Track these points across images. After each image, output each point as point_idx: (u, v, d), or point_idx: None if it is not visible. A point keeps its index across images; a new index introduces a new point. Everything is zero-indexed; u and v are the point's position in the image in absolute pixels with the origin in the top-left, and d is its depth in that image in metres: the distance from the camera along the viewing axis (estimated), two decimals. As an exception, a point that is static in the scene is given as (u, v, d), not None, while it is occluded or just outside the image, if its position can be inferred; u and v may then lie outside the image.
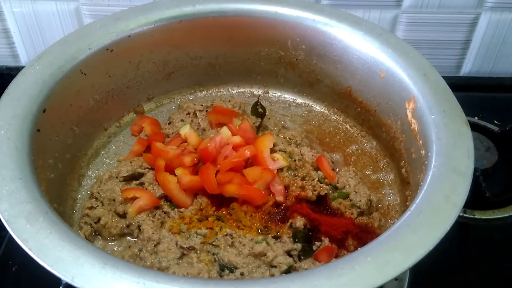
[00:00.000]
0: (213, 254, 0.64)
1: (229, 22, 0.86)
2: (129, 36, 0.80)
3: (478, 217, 0.85)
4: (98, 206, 0.70)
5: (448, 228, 0.52)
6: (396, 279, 0.77)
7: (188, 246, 0.63)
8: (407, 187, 0.73)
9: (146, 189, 0.71)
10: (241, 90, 0.94)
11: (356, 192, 0.71)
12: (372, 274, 0.48)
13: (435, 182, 0.57)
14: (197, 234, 0.66)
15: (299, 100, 0.93)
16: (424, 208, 0.54)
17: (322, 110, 0.91)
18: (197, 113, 0.84)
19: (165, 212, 0.69)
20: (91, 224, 0.69)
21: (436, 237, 0.51)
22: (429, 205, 0.55)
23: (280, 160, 0.74)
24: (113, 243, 0.69)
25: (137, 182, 0.73)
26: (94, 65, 0.77)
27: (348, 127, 0.88)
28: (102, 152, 0.82)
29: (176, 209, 0.70)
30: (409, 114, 0.71)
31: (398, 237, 0.52)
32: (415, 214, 0.54)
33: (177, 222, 0.68)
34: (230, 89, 0.94)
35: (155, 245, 0.64)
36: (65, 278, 0.48)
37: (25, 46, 1.15)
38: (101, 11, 1.10)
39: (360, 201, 0.70)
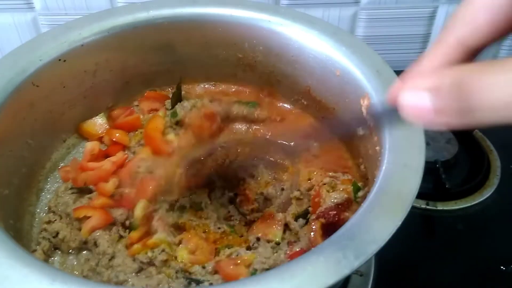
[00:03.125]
0: (174, 269, 0.63)
1: (185, 26, 0.85)
2: (82, 45, 0.79)
3: (441, 208, 0.86)
4: (56, 220, 0.69)
5: (399, 224, 0.52)
6: (361, 274, 0.78)
7: (147, 261, 0.62)
8: (366, 182, 0.74)
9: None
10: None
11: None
12: (325, 274, 0.48)
13: (387, 178, 0.58)
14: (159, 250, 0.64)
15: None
16: (376, 204, 0.55)
17: (283, 108, 0.91)
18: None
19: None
20: (49, 239, 0.68)
21: (388, 233, 0.51)
22: (381, 201, 0.55)
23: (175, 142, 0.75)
24: (72, 257, 0.68)
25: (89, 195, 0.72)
26: (47, 76, 0.75)
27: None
28: (61, 164, 0.80)
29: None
30: (364, 111, 0.71)
31: (350, 235, 0.52)
32: (367, 211, 0.54)
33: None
34: (190, 94, 0.94)
35: (109, 260, 0.63)
36: (13, 296, 0.47)
37: (-18, 60, 1.13)
38: (59, 21, 1.09)
39: None
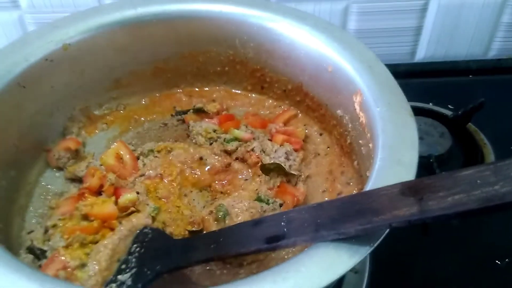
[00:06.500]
0: None
1: (173, 24, 0.84)
2: (69, 44, 0.77)
3: (435, 203, 0.85)
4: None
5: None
6: (356, 272, 0.78)
7: None
8: (360, 180, 0.73)
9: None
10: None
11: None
12: (318, 275, 0.48)
13: (381, 175, 0.57)
14: None
15: (253, 96, 0.92)
16: (369, 203, 0.54)
17: (274, 104, 0.90)
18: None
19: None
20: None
21: (381, 233, 0.51)
22: (374, 199, 0.54)
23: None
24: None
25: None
26: (34, 77, 0.74)
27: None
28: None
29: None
30: (357, 107, 0.71)
31: (344, 235, 0.51)
32: (361, 209, 0.53)
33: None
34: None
35: None
36: (2, 304, 0.46)
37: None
38: (45, 19, 1.07)
39: None
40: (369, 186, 0.56)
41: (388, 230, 0.50)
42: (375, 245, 0.50)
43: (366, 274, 0.76)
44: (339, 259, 0.49)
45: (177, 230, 0.69)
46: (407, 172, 0.56)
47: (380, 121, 0.64)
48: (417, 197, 0.46)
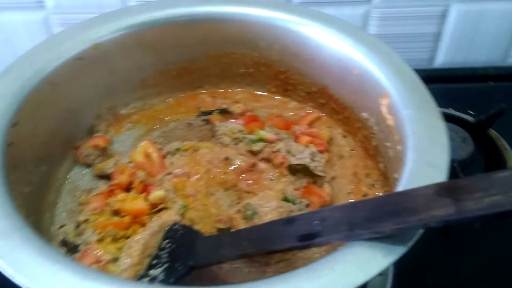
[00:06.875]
0: None
1: (201, 25, 0.85)
2: (99, 44, 0.78)
3: (457, 207, 0.86)
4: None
5: (427, 222, 0.52)
6: (380, 274, 0.78)
7: None
8: (386, 182, 0.74)
9: None
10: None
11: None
12: (353, 273, 0.48)
13: (412, 177, 0.58)
14: None
15: (276, 98, 0.93)
16: (402, 203, 0.54)
17: (298, 106, 0.91)
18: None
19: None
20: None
21: (416, 233, 0.51)
22: (407, 200, 0.55)
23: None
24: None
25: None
26: (65, 75, 0.75)
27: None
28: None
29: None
30: (384, 110, 0.71)
31: (378, 234, 0.52)
32: (393, 209, 0.54)
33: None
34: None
35: None
36: (44, 295, 0.47)
37: (-6, 59, 1.13)
38: (70, 19, 1.08)
39: None
40: (401, 187, 0.57)
41: (423, 230, 0.51)
42: (410, 245, 0.51)
43: (390, 277, 0.76)
44: (374, 258, 0.49)
45: (205, 227, 0.70)
46: (439, 174, 0.57)
47: (409, 123, 0.64)
48: (454, 198, 0.47)
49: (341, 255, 0.50)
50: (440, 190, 0.49)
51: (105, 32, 0.79)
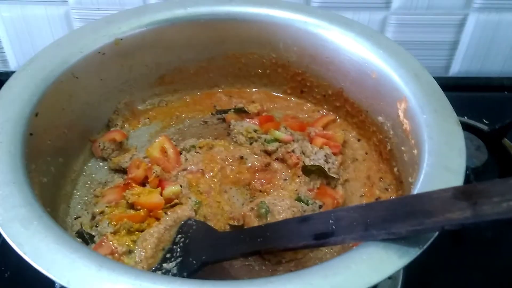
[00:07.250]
0: None
1: (221, 25, 0.86)
2: (121, 39, 0.80)
3: (470, 215, 0.86)
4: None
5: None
6: (390, 277, 0.78)
7: None
8: (400, 186, 0.74)
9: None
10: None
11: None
12: (368, 273, 0.49)
13: (428, 181, 0.58)
14: None
15: (292, 99, 0.93)
16: (417, 206, 0.55)
17: (313, 108, 0.91)
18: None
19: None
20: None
21: (431, 235, 0.51)
22: (423, 203, 0.55)
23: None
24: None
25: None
26: (86, 68, 0.76)
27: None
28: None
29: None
30: (401, 114, 0.72)
31: (393, 236, 0.52)
32: (409, 212, 0.54)
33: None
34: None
35: None
36: (61, 281, 0.48)
37: (14, 51, 1.14)
38: (91, 15, 1.10)
39: None
40: (416, 190, 0.57)
41: (437, 233, 0.51)
42: (425, 247, 0.51)
43: (400, 281, 0.76)
44: (389, 259, 0.50)
45: (218, 224, 0.70)
46: (455, 178, 0.57)
47: (426, 128, 0.65)
48: (471, 201, 0.47)
49: (356, 254, 0.50)
50: (457, 193, 0.49)
51: (127, 28, 0.81)
